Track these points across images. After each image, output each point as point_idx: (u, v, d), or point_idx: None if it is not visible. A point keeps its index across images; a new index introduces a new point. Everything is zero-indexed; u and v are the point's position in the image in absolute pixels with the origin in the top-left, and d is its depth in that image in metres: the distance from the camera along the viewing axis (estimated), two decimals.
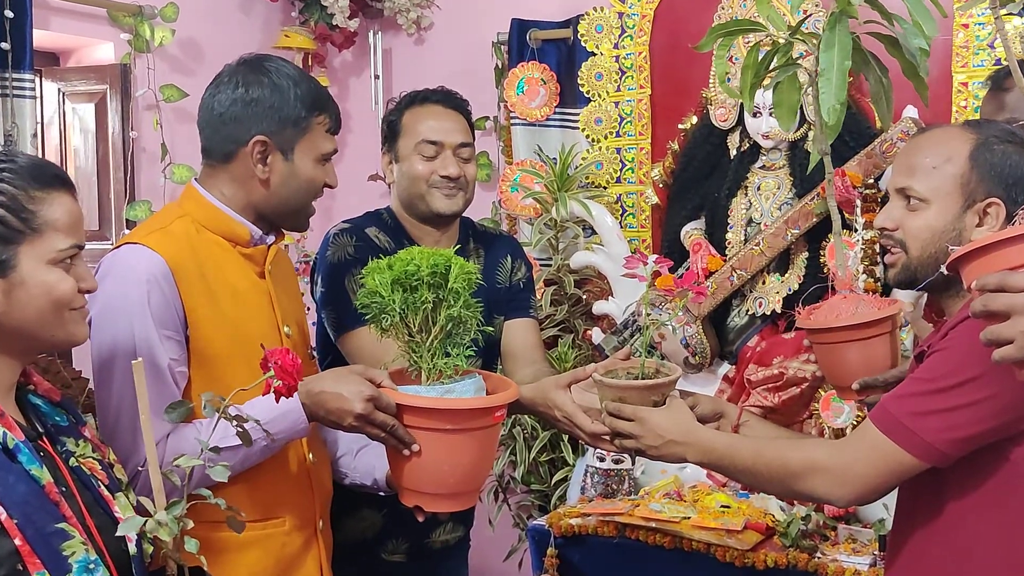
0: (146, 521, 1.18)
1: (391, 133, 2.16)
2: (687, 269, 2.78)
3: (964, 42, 2.65)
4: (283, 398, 1.45)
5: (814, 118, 2.54)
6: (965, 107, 2.64)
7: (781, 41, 1.55)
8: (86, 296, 1.37)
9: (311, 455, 1.79)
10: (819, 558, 2.25)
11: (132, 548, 1.31)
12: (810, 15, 2.51)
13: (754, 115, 2.71)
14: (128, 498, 1.35)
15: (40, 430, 1.34)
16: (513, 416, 2.93)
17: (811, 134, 2.69)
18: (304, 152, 1.74)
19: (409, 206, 2.14)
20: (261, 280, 1.77)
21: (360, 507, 2.05)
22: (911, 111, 2.54)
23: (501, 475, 3.18)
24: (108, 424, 1.61)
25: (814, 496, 1.50)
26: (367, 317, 1.63)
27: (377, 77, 3.61)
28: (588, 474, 2.72)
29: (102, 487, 1.34)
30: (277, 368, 1.30)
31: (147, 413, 1.21)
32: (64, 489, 1.28)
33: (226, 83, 1.73)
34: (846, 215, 2.52)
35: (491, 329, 1.69)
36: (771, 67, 1.56)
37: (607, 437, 1.68)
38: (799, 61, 1.59)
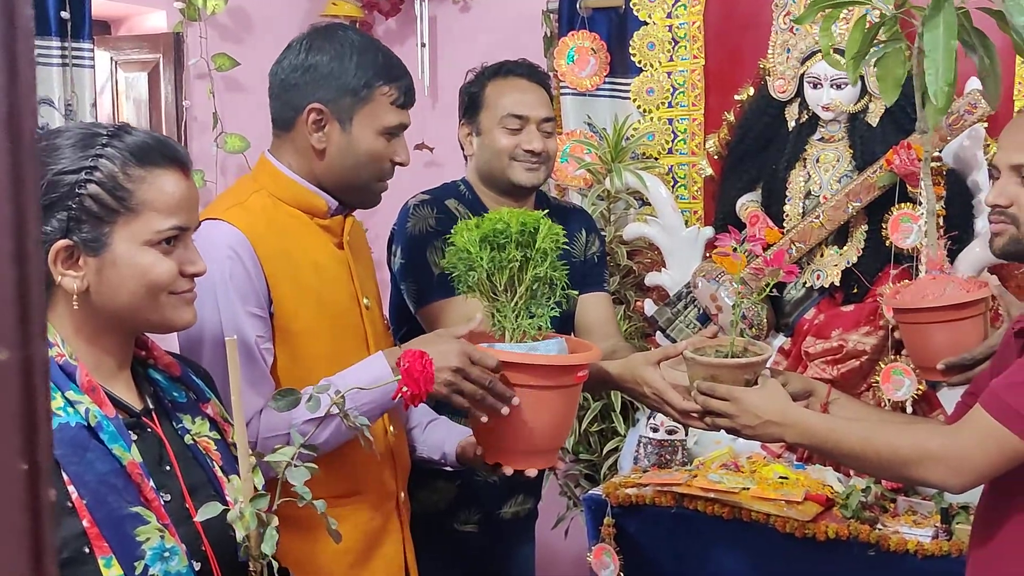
0: (226, 510, 1.11)
1: (472, 105, 2.16)
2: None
3: None
4: (373, 363, 1.43)
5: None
6: None
7: (887, 14, 1.53)
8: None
9: (391, 428, 1.80)
10: (880, 530, 2.26)
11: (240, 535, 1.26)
12: None
13: (814, 86, 2.69)
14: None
15: (152, 406, 1.31)
16: None
17: (871, 106, 2.67)
18: (364, 123, 1.69)
19: (489, 178, 2.14)
20: (340, 251, 1.77)
21: (435, 478, 2.07)
22: (974, 83, 2.51)
23: None
24: None
25: (927, 483, 1.51)
26: (453, 275, 1.63)
27: (423, 45, 3.59)
28: (641, 444, 2.73)
29: (216, 467, 1.32)
30: (405, 373, 1.27)
31: (238, 395, 1.15)
32: (168, 468, 1.26)
33: (292, 50, 1.71)
34: (910, 188, 2.51)
35: (576, 292, 1.70)
36: (876, 40, 1.54)
37: (697, 415, 1.69)
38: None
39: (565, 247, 1.66)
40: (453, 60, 3.58)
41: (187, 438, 1.32)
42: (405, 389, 1.30)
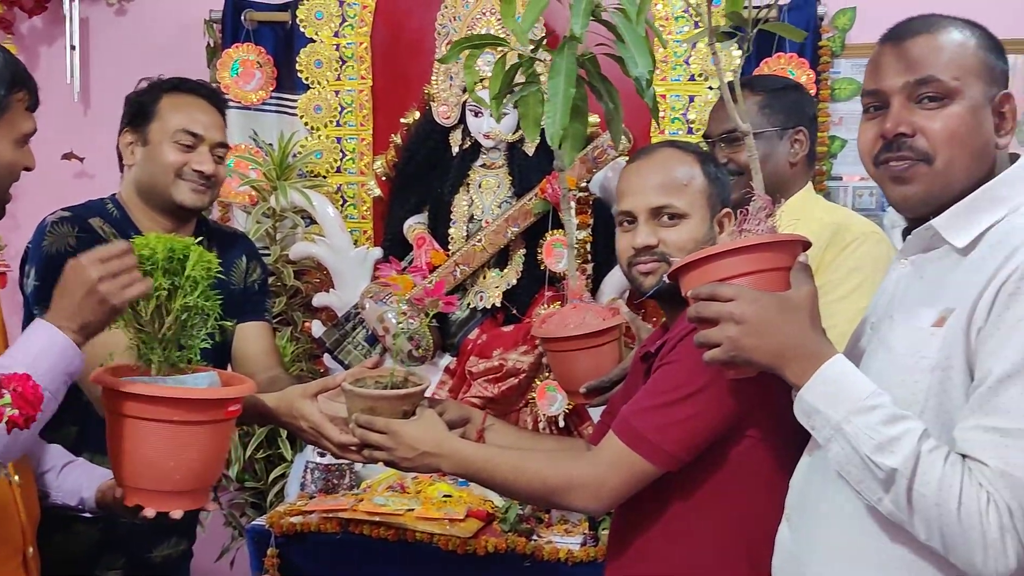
0: None
1: (141, 114, 2.02)
2: (411, 263, 2.81)
3: (663, 57, 2.87)
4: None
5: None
6: (664, 117, 2.87)
7: (525, 55, 1.60)
8: None
9: (16, 476, 1.62)
10: (535, 540, 2.37)
11: None
12: (546, 37, 2.58)
13: (476, 114, 2.78)
14: None
15: None
16: None
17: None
18: (3, 135, 1.56)
19: (149, 194, 2.01)
20: None
21: (73, 521, 1.90)
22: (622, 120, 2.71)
23: None
24: None
25: (573, 509, 1.59)
26: None
27: (73, 48, 3.33)
28: (308, 470, 2.69)
29: None
30: (15, 395, 1.15)
31: None
32: None
33: None
34: (560, 215, 2.66)
35: (230, 324, 1.63)
36: (515, 80, 1.60)
37: (355, 448, 1.67)
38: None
39: (221, 275, 1.59)
40: (107, 65, 3.36)
41: None
42: (14, 412, 1.18)
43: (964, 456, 1.16)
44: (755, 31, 1.34)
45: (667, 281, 1.46)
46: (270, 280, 2.93)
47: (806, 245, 1.34)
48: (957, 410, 1.19)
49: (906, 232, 1.37)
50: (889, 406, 1.20)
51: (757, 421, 1.47)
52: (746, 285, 1.28)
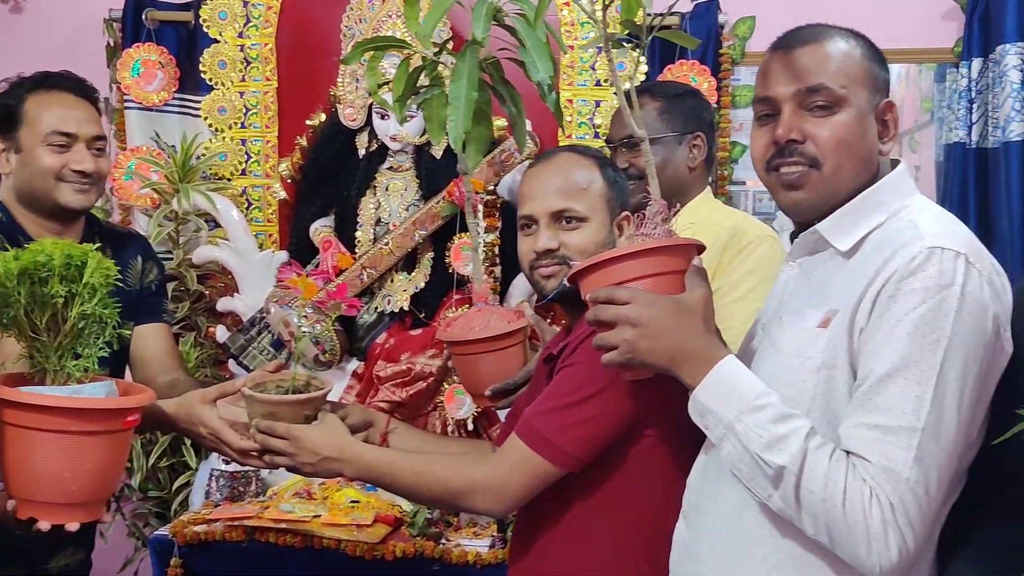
0: None
1: (8, 119, 1.95)
2: (316, 266, 2.79)
3: (570, 62, 2.90)
4: None
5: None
6: (571, 121, 2.90)
7: (428, 58, 1.60)
8: None
9: None
10: (444, 544, 2.37)
11: None
12: (451, 39, 2.57)
13: (382, 117, 2.77)
14: None
15: None
16: None
17: None
18: None
19: (31, 199, 1.95)
20: None
21: None
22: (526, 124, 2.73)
23: None
24: None
25: (476, 511, 1.58)
26: None
27: None
28: (213, 478, 2.64)
29: None
30: None
31: None
32: None
33: None
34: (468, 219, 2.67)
35: (128, 332, 1.60)
36: (420, 83, 1.60)
37: (256, 453, 1.65)
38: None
39: (118, 281, 1.55)
40: (2, 65, 3.22)
41: None
42: None
43: (848, 453, 1.21)
44: (650, 38, 1.37)
45: (567, 284, 1.48)
46: (172, 284, 2.88)
47: (700, 249, 1.37)
48: (842, 408, 1.24)
49: (794, 236, 1.41)
50: (778, 405, 1.24)
51: (655, 422, 1.49)
52: (643, 288, 1.30)
